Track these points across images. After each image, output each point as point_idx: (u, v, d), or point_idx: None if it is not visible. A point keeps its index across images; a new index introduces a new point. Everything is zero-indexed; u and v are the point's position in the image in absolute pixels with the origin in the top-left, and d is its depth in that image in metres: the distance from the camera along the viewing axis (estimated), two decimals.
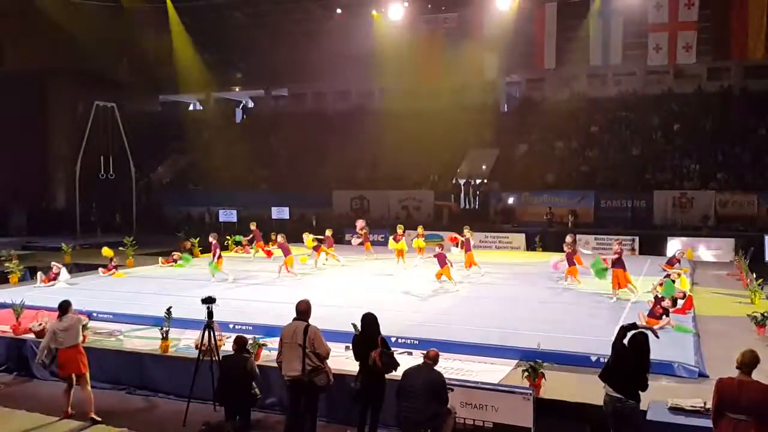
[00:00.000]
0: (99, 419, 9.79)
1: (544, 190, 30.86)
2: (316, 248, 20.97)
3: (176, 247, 24.35)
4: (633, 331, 7.82)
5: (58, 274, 18.46)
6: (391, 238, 22.23)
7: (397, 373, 8.43)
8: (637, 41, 32.18)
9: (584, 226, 27.66)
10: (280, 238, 19.70)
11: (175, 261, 22.16)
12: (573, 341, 11.75)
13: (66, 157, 37.03)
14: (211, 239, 19.57)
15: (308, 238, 21.45)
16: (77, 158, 31.23)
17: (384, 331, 8.80)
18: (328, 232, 22.10)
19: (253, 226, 23.67)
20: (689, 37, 29.60)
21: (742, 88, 34.57)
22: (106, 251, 21.05)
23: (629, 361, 7.63)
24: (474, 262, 19.28)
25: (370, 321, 8.55)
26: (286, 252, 19.27)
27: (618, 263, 15.71)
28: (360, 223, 23.06)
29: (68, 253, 22.48)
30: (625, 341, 7.80)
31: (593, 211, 29.34)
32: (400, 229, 21.81)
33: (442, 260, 17.32)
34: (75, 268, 21.31)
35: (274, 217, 31.33)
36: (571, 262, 17.71)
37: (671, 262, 18.51)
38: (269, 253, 22.04)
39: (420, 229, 22.39)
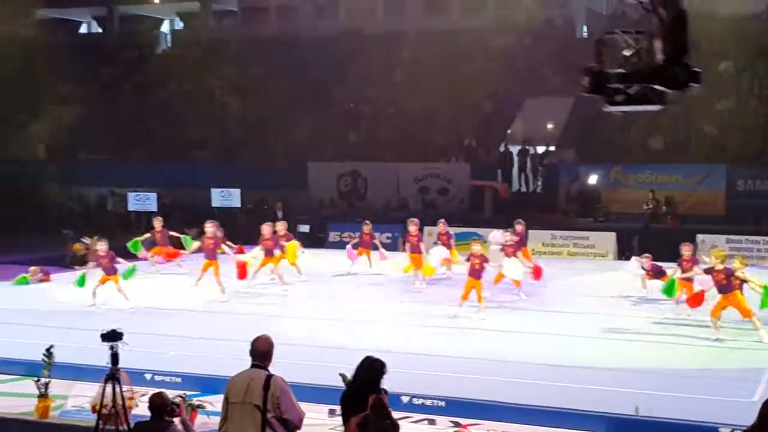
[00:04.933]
0: None
1: (646, 163, 30.89)
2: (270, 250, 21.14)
3: (64, 252, 24.42)
4: None
5: None
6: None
7: None
8: None
9: (709, 221, 27.62)
10: (210, 227, 19.93)
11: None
12: (688, 401, 11.84)
13: None
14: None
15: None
16: None
17: (392, 386, 8.80)
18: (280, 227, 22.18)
19: (157, 224, 23.84)
20: None
21: None
22: None
23: None
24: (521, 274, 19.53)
25: (367, 369, 8.55)
26: (211, 253, 19.64)
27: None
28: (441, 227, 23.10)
29: None
30: None
31: (724, 196, 29.32)
32: (413, 226, 21.79)
33: (479, 267, 17.54)
34: None
35: (215, 204, 31.34)
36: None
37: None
38: (242, 271, 21.44)
39: (441, 227, 22.58)
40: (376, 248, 23.57)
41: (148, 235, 23.62)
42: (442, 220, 23.07)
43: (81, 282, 19.52)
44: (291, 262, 21.85)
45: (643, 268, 19.39)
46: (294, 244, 21.91)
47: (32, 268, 22.93)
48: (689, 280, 17.70)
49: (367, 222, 24.05)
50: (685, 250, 18.32)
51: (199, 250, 22.01)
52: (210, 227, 20.08)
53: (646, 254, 19.80)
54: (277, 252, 21.21)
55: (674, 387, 12.66)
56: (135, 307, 18.63)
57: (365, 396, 8.35)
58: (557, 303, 19.40)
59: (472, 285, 17.61)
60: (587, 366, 14.00)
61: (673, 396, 12.15)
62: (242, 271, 20.46)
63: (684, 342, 15.80)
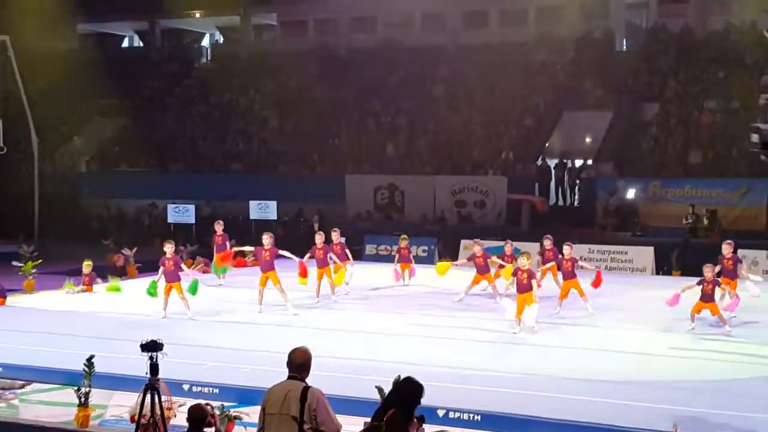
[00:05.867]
0: None
1: (685, 177, 30.68)
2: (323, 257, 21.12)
3: (104, 262, 24.66)
4: None
5: None
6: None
7: None
8: None
9: (750, 236, 27.35)
10: (267, 239, 19.72)
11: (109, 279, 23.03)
12: (733, 419, 11.72)
13: None
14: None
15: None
16: None
17: (429, 399, 8.73)
18: (335, 235, 22.25)
19: (218, 228, 23.91)
20: None
21: None
22: None
23: None
24: (580, 289, 19.40)
25: (404, 392, 8.45)
26: (269, 265, 19.47)
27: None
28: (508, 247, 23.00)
29: None
30: None
31: (766, 211, 29.08)
32: (477, 247, 21.25)
33: (526, 282, 17.41)
34: None
35: (253, 216, 31.53)
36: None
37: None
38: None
39: (508, 247, 22.34)
40: (410, 262, 23.76)
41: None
42: (509, 241, 22.71)
43: (152, 290, 19.08)
44: (337, 282, 21.63)
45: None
46: (342, 273, 21.56)
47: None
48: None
49: (405, 236, 24.09)
50: (725, 249, 18.37)
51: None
52: (267, 239, 19.96)
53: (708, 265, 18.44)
54: (330, 264, 21.14)
55: (717, 403, 12.54)
56: (195, 316, 18.80)
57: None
58: (594, 317, 19.24)
59: (523, 300, 17.35)
60: (627, 381, 13.88)
61: (713, 413, 12.02)
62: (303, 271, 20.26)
63: (731, 356, 15.70)
